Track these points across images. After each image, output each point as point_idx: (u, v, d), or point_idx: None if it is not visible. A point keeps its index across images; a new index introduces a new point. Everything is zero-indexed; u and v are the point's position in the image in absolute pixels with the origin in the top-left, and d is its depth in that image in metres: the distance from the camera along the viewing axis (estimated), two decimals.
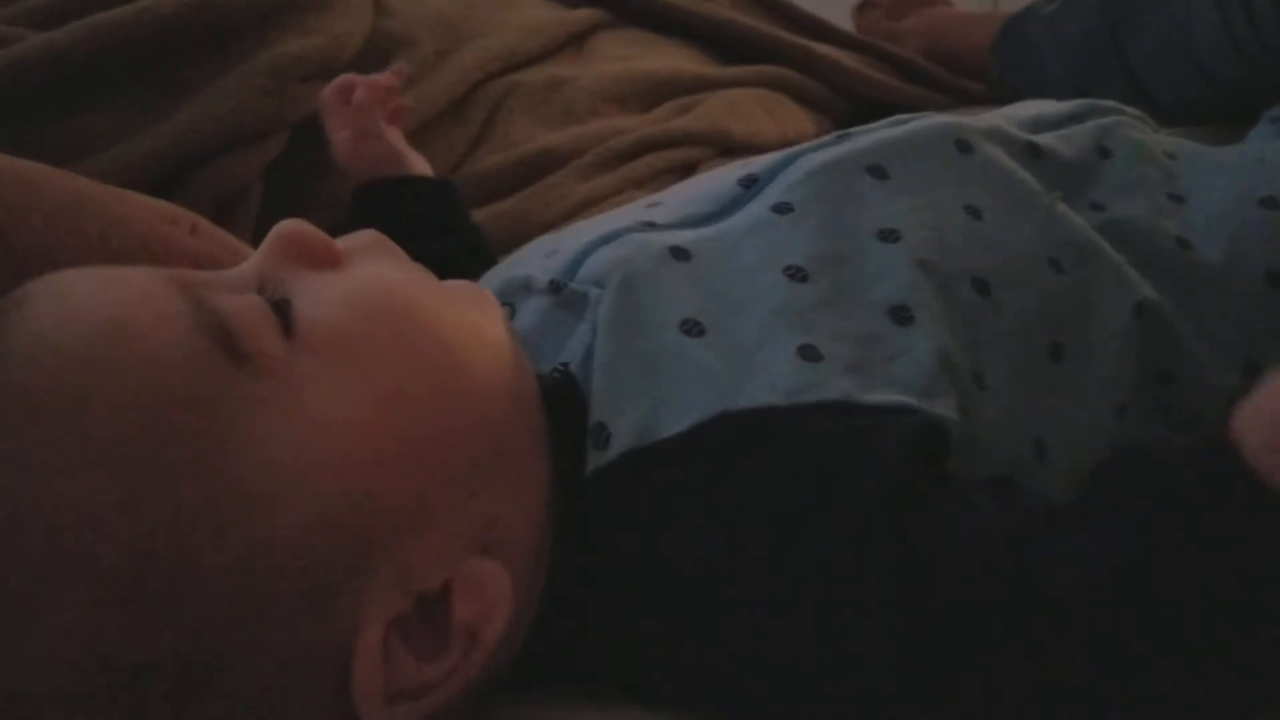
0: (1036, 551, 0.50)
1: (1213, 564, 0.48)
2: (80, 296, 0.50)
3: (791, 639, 0.52)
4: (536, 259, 0.68)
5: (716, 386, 0.57)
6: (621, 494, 0.56)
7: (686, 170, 1.17)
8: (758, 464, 0.55)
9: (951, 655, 0.50)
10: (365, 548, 0.49)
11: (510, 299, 0.65)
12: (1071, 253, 0.67)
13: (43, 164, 0.61)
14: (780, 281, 0.62)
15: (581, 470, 0.56)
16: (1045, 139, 0.75)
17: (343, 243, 0.57)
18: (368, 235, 0.59)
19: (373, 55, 1.07)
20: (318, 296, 0.53)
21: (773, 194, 0.67)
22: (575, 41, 1.38)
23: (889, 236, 0.64)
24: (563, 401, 0.58)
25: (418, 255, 0.60)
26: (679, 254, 0.63)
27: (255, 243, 0.66)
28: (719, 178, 0.73)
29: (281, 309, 0.52)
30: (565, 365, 0.60)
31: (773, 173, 0.69)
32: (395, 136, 0.97)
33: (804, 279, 0.62)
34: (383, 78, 0.97)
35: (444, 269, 0.60)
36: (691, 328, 0.59)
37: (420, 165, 0.97)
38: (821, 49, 1.42)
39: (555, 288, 0.63)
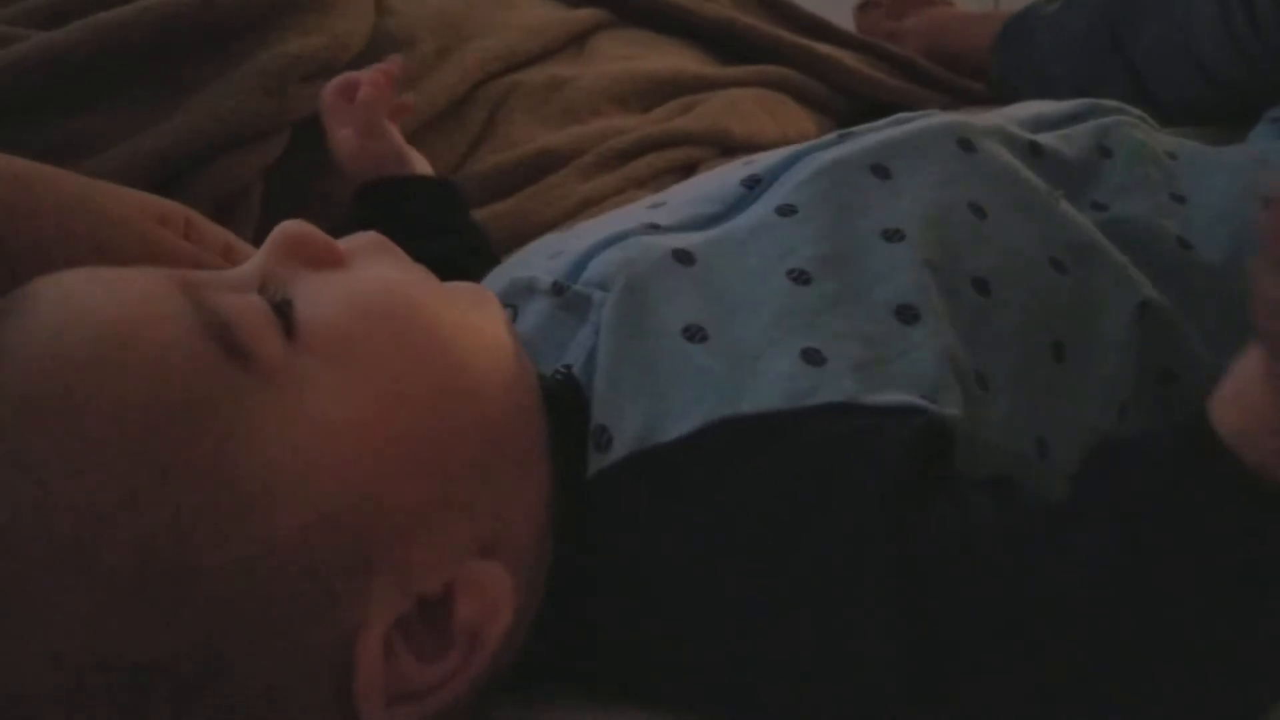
0: (1036, 551, 0.50)
1: (1212, 563, 0.48)
2: (82, 297, 0.50)
3: (791, 639, 0.52)
4: (540, 260, 0.68)
5: (719, 391, 0.57)
6: (622, 496, 0.56)
7: (687, 170, 1.17)
8: (758, 466, 0.55)
9: (951, 655, 0.50)
10: (366, 548, 0.49)
11: (514, 300, 0.65)
12: (1074, 252, 0.67)
13: (36, 162, 0.61)
14: (783, 285, 0.62)
15: (583, 472, 0.56)
16: (1046, 138, 0.75)
17: (344, 243, 0.57)
18: (369, 236, 0.59)
19: (374, 55, 1.07)
20: (319, 297, 0.53)
21: (776, 195, 0.67)
22: (576, 41, 1.38)
23: (893, 236, 0.64)
24: (565, 403, 0.58)
25: (419, 255, 0.60)
26: (682, 257, 0.63)
27: (256, 243, 0.66)
28: (721, 177, 0.72)
29: (283, 310, 0.52)
30: (568, 367, 0.60)
31: (775, 173, 0.69)
32: (396, 135, 0.97)
33: (807, 281, 0.62)
34: (383, 67, 0.96)
35: (446, 269, 0.60)
36: (694, 333, 0.59)
37: (421, 165, 0.97)
38: (823, 49, 1.42)
39: (559, 290, 0.63)
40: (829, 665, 0.52)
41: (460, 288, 0.60)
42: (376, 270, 0.57)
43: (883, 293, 0.61)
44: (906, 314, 0.61)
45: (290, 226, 0.56)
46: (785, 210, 0.66)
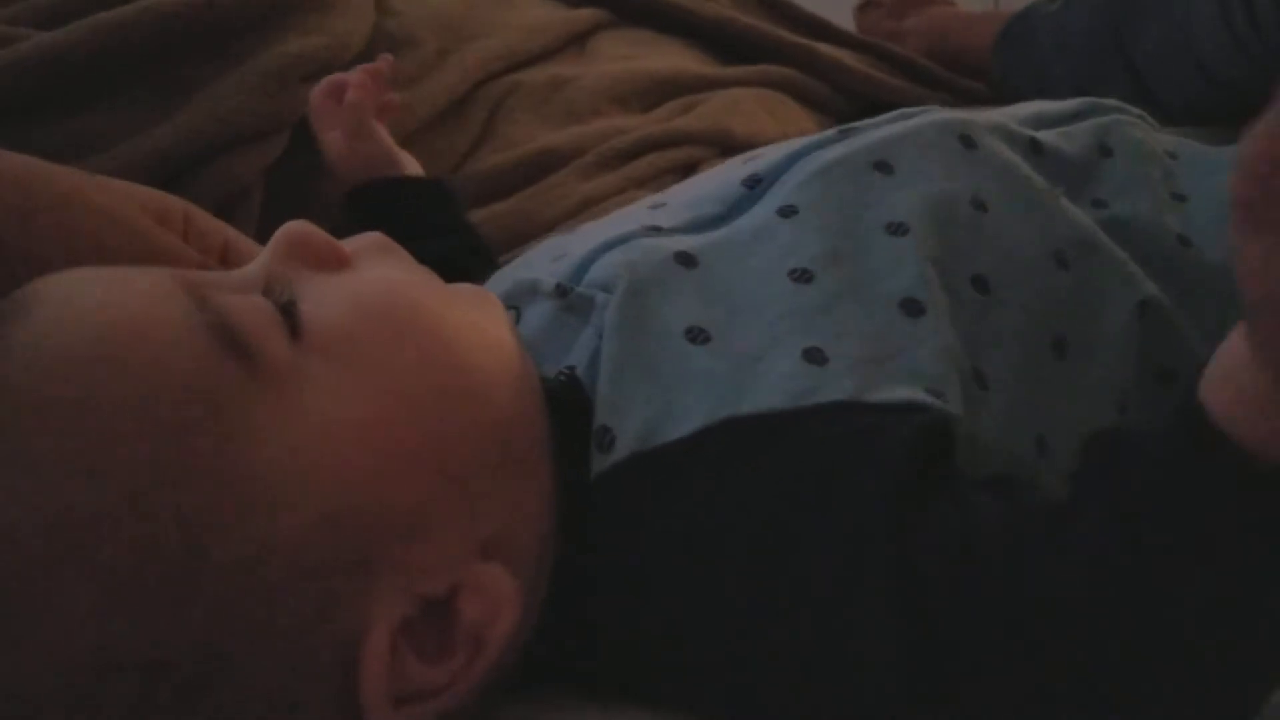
0: (1036, 551, 0.50)
1: (1212, 558, 0.48)
2: (86, 298, 0.50)
3: (792, 640, 0.52)
4: (543, 262, 0.68)
5: (720, 392, 0.57)
6: (624, 496, 0.56)
7: (688, 170, 1.17)
8: (758, 467, 0.55)
9: (951, 655, 0.50)
10: (369, 549, 0.49)
11: (516, 302, 0.65)
12: (1076, 248, 0.67)
13: (35, 159, 0.61)
14: (785, 286, 0.62)
15: (586, 473, 0.56)
16: (1047, 136, 0.75)
17: (348, 244, 0.58)
18: (373, 237, 0.59)
19: (374, 56, 1.06)
20: (324, 298, 0.53)
21: (777, 196, 0.67)
22: (577, 41, 1.38)
23: (897, 230, 0.64)
24: (568, 405, 0.59)
25: (416, 256, 0.60)
26: (685, 260, 0.63)
27: (257, 244, 0.66)
28: (722, 176, 0.72)
29: (288, 310, 0.52)
30: (571, 368, 0.60)
31: (776, 172, 0.69)
32: (385, 136, 0.97)
33: (809, 280, 0.62)
34: (370, 67, 0.96)
35: (443, 269, 0.60)
36: (697, 335, 0.59)
37: (412, 166, 0.97)
38: (823, 48, 1.42)
39: (562, 291, 0.63)
40: (829, 665, 0.52)
41: (463, 289, 0.60)
42: (380, 271, 0.57)
43: (887, 287, 0.61)
44: (911, 307, 0.61)
45: (294, 227, 0.56)
46: (786, 211, 0.66)
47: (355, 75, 0.96)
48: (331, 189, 0.97)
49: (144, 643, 0.45)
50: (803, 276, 0.62)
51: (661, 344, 0.59)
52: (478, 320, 0.58)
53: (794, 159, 0.70)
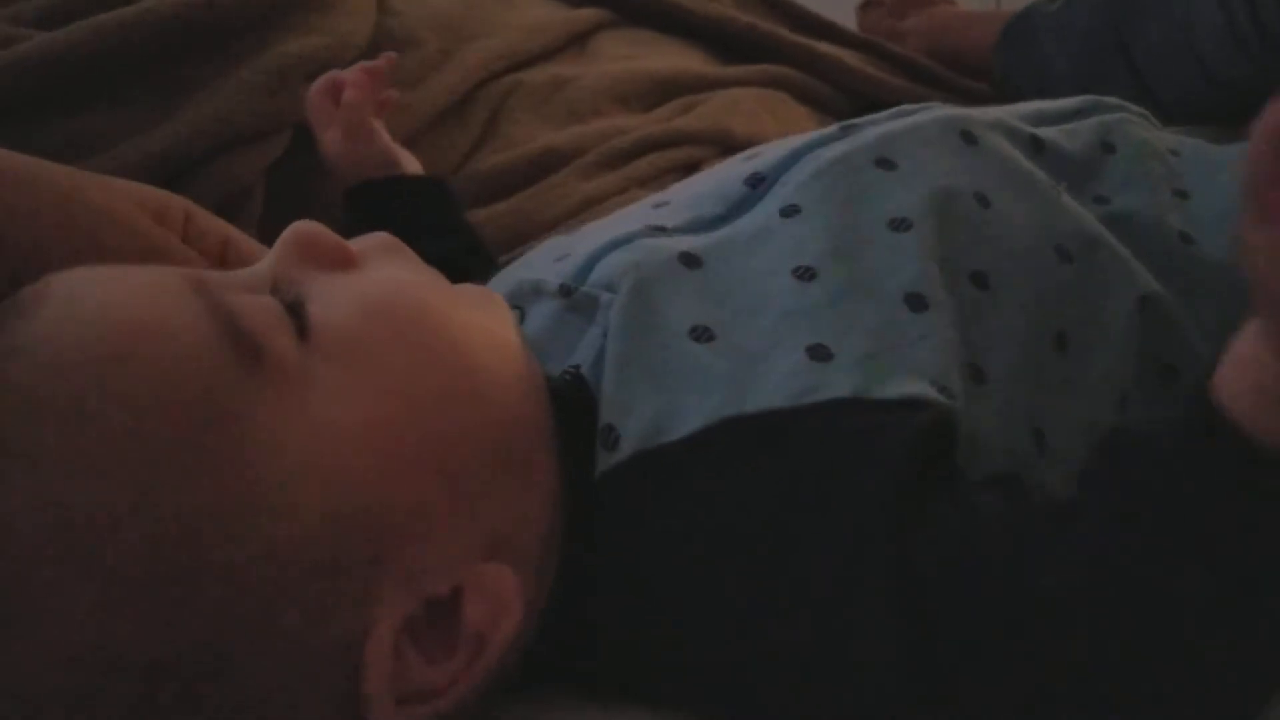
0: (1036, 551, 0.50)
1: (1211, 563, 0.48)
2: (93, 297, 0.50)
3: (791, 640, 0.52)
4: (547, 263, 0.68)
5: (724, 391, 0.57)
6: (627, 495, 0.56)
7: (689, 170, 1.17)
8: (759, 466, 0.55)
9: (951, 655, 0.50)
10: (374, 549, 0.49)
11: (520, 302, 0.65)
12: (1078, 243, 0.67)
13: (34, 158, 0.61)
14: (789, 284, 0.62)
15: (591, 473, 0.56)
16: (1048, 133, 0.75)
17: (355, 244, 0.58)
18: (380, 237, 0.59)
19: (375, 55, 1.06)
20: (332, 298, 0.53)
21: (779, 195, 0.67)
22: (578, 41, 1.38)
23: (900, 225, 0.64)
24: (573, 404, 0.59)
25: (424, 255, 0.60)
26: (689, 260, 0.63)
27: (258, 244, 0.66)
28: (724, 174, 0.72)
29: (296, 310, 0.52)
30: (576, 368, 0.60)
31: (778, 170, 0.69)
32: (384, 134, 0.96)
33: (812, 277, 0.62)
34: (369, 65, 0.96)
35: (443, 269, 0.60)
36: (701, 333, 0.59)
37: (411, 164, 0.97)
38: (824, 48, 1.42)
39: (566, 291, 0.63)
40: (829, 665, 0.52)
41: (468, 290, 0.60)
42: (388, 272, 0.57)
43: (891, 282, 0.61)
44: (915, 302, 0.61)
45: (302, 227, 0.56)
46: (789, 211, 0.66)
47: (353, 74, 0.96)
48: (333, 189, 0.97)
49: (145, 642, 0.45)
50: (806, 274, 0.62)
51: (666, 343, 0.59)
52: (483, 321, 0.58)
53: (796, 156, 0.70)
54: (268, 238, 0.57)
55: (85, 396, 0.46)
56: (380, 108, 0.97)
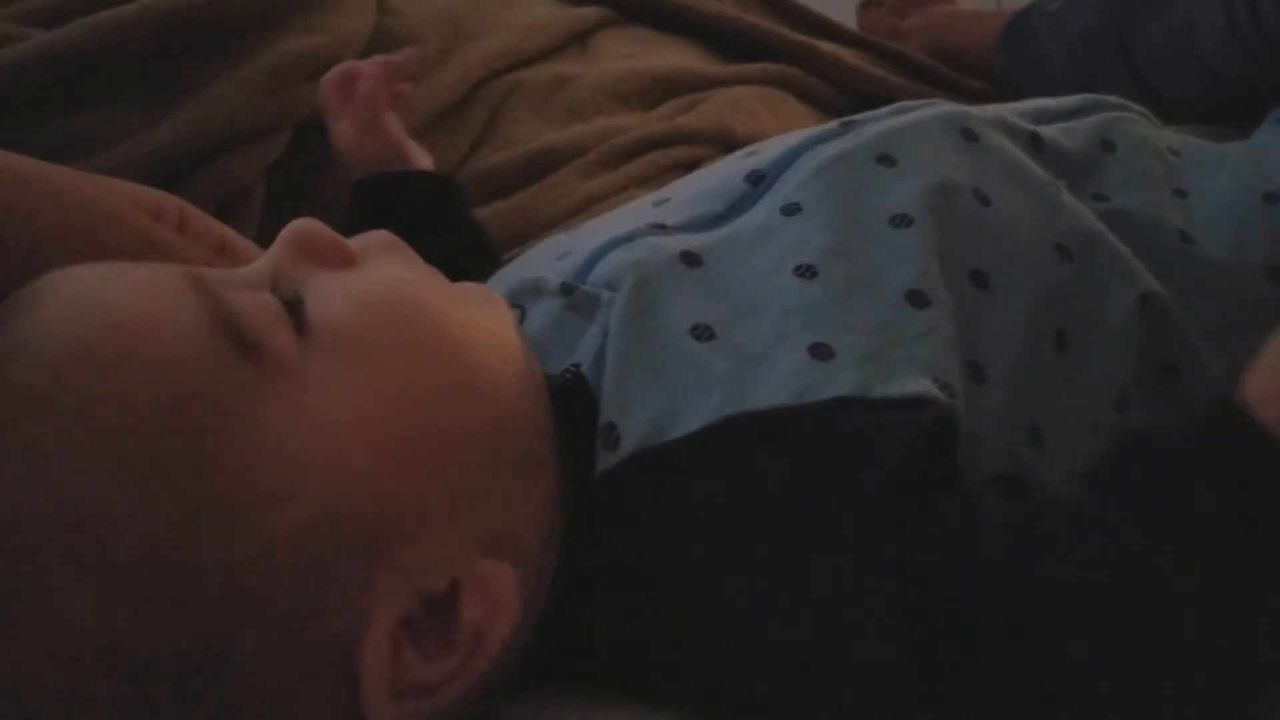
0: (1036, 551, 0.50)
1: (1212, 563, 0.48)
2: (93, 293, 0.50)
3: (791, 640, 0.52)
4: (548, 261, 0.68)
5: (725, 389, 0.57)
6: (628, 493, 0.56)
7: (689, 169, 1.17)
8: (760, 465, 0.55)
9: (951, 655, 0.50)
10: (372, 545, 0.49)
11: (521, 301, 0.65)
12: (1077, 241, 0.67)
13: (30, 158, 0.61)
14: (790, 282, 0.62)
15: (591, 471, 0.56)
16: (1047, 130, 0.75)
17: (355, 242, 0.58)
18: (380, 235, 0.59)
19: (376, 54, 1.06)
20: (330, 295, 0.53)
21: (780, 193, 0.67)
22: (579, 39, 1.38)
23: (901, 222, 0.64)
24: (573, 403, 0.59)
25: (426, 253, 0.60)
26: (690, 259, 0.63)
27: (259, 243, 0.66)
28: (725, 172, 0.72)
29: (294, 307, 0.52)
30: (576, 366, 0.60)
31: (779, 167, 0.69)
32: (398, 129, 0.96)
33: (813, 275, 0.62)
34: (386, 58, 0.96)
35: (447, 268, 0.60)
36: (702, 332, 0.59)
37: (423, 159, 0.97)
38: (825, 47, 1.42)
39: (567, 290, 0.64)
40: (829, 665, 0.52)
41: (468, 288, 0.60)
42: (387, 270, 0.57)
43: (892, 279, 0.61)
44: (917, 299, 0.61)
45: (301, 225, 0.56)
46: (790, 209, 0.66)
47: (369, 65, 0.96)
48: (334, 188, 0.97)
49: (145, 639, 0.45)
50: (807, 272, 0.62)
51: (667, 342, 0.59)
52: (482, 319, 0.58)
53: (796, 153, 0.70)
54: (268, 238, 0.57)
55: (84, 394, 0.46)
56: (394, 101, 0.96)
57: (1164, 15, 1.18)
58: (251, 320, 0.50)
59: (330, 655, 0.49)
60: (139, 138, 0.92)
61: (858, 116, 0.73)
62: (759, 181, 0.69)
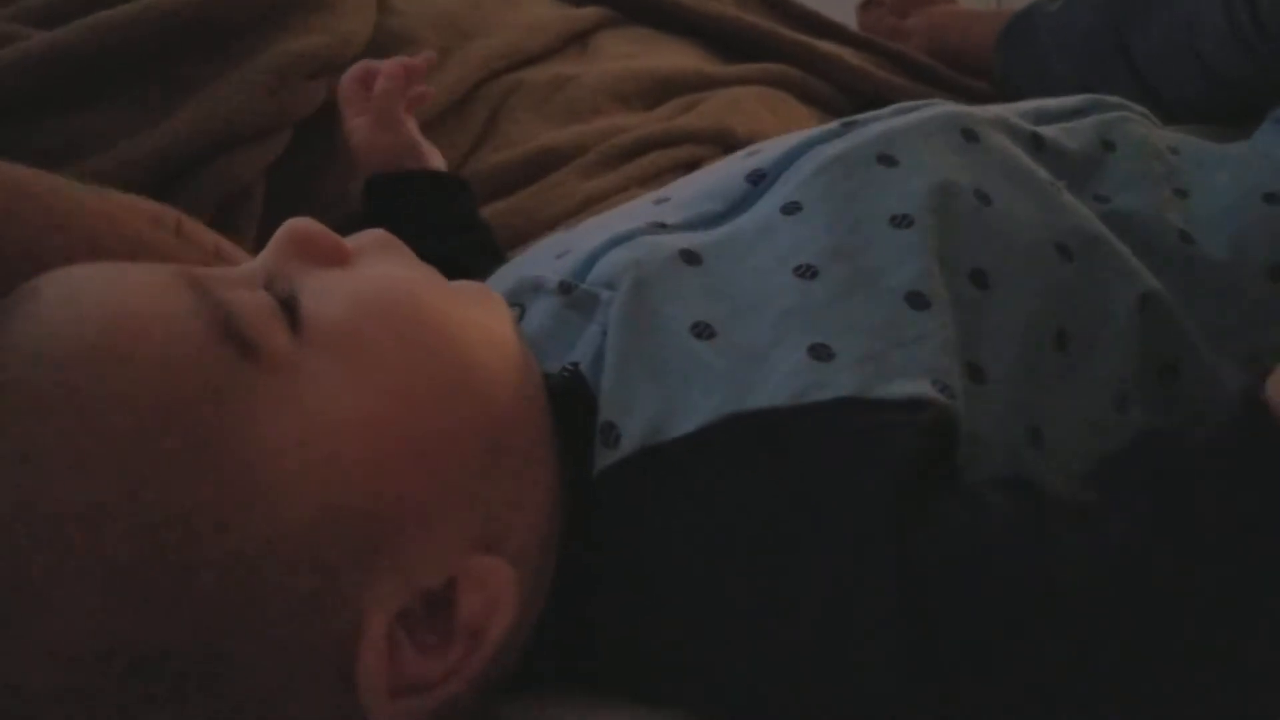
0: (1036, 551, 0.50)
1: (1212, 564, 0.48)
2: (88, 292, 0.50)
3: (792, 639, 0.52)
4: (547, 260, 0.68)
5: (725, 388, 0.57)
6: (628, 492, 0.56)
7: (690, 169, 1.17)
8: (761, 465, 0.54)
9: (952, 655, 0.50)
10: (368, 542, 0.49)
11: (520, 299, 0.65)
12: (1078, 240, 0.67)
13: (29, 168, 0.61)
14: (790, 282, 0.61)
15: (590, 470, 0.56)
16: (1048, 131, 0.75)
17: (351, 241, 0.58)
18: (376, 234, 0.59)
19: (376, 54, 1.07)
20: (325, 294, 0.53)
21: (781, 192, 0.67)
22: (579, 39, 1.38)
23: (902, 222, 0.64)
24: (572, 401, 0.58)
25: (427, 252, 0.60)
26: (689, 258, 0.63)
27: (259, 243, 0.66)
28: (726, 171, 0.72)
29: (289, 305, 0.52)
30: (575, 365, 0.60)
31: (779, 167, 0.69)
32: (412, 127, 0.97)
33: (813, 275, 0.62)
34: (406, 60, 0.96)
35: (452, 267, 0.60)
36: (702, 330, 0.59)
37: (435, 159, 0.97)
38: (825, 47, 1.42)
39: (566, 289, 0.63)
40: (829, 665, 0.52)
41: (465, 286, 0.60)
42: (383, 268, 0.57)
43: (892, 280, 0.61)
44: (917, 300, 0.61)
45: (297, 223, 0.56)
46: (790, 208, 0.66)
47: (389, 65, 0.96)
48: (334, 188, 0.97)
49: (143, 635, 0.45)
50: (807, 272, 0.62)
51: (667, 340, 0.59)
52: (479, 317, 0.58)
53: (797, 153, 0.70)
54: (267, 238, 0.57)
55: (81, 392, 0.46)
56: (413, 102, 0.97)
57: (1164, 15, 1.18)
58: (246, 318, 0.50)
59: (328, 652, 0.49)
60: (139, 138, 0.92)
61: (858, 117, 0.73)
62: (759, 181, 0.69)
